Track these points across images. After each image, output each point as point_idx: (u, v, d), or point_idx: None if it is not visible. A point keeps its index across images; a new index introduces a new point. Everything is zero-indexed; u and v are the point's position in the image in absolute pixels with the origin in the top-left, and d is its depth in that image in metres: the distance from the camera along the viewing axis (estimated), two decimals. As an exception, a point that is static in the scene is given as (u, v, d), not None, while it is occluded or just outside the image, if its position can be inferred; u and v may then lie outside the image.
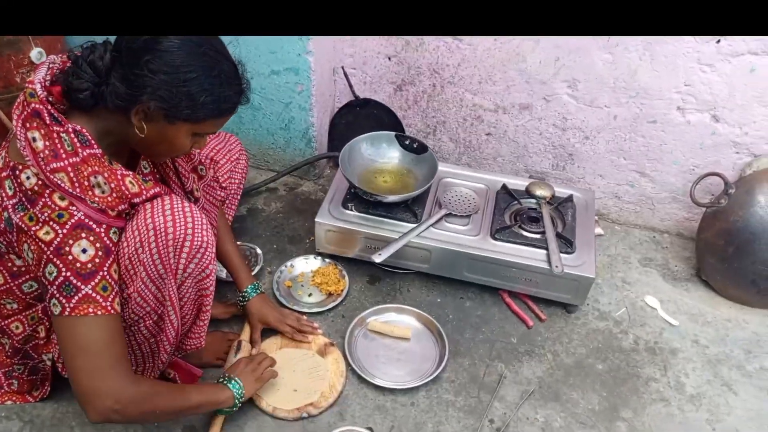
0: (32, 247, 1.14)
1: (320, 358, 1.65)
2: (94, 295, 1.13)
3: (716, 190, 1.94)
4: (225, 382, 1.41)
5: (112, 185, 1.15)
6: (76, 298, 1.12)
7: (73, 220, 1.11)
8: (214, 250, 1.29)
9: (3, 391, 1.52)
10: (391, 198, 1.81)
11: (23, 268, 1.26)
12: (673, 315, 1.88)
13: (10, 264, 1.26)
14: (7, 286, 1.30)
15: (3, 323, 1.39)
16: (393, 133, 1.99)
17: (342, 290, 1.85)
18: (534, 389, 1.64)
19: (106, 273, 1.14)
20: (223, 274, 1.79)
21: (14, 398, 1.52)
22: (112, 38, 1.16)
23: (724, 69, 1.77)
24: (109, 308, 1.15)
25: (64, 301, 1.12)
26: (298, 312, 1.77)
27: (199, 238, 1.24)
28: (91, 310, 1.13)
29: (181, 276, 1.27)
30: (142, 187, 1.20)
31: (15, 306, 1.35)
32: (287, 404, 1.54)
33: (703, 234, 1.94)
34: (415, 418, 1.55)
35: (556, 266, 1.70)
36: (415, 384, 1.60)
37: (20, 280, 1.29)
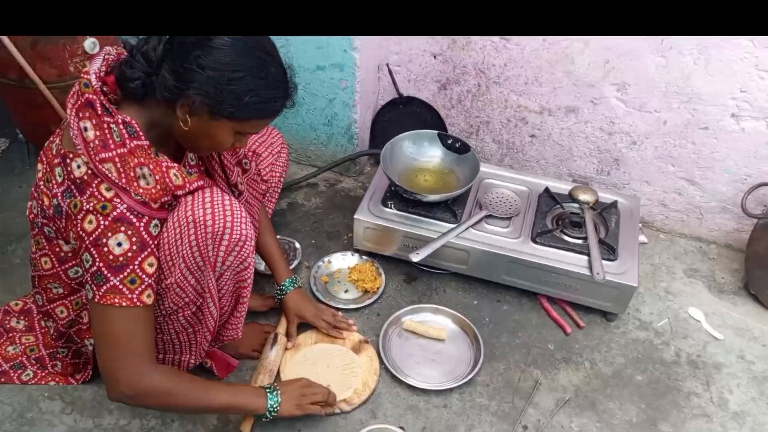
0: (74, 236, 1.19)
1: (354, 355, 1.66)
2: (121, 287, 1.16)
3: (769, 201, 1.87)
4: (268, 391, 1.40)
5: (157, 177, 1.17)
6: (105, 287, 1.16)
7: (115, 213, 1.14)
8: (253, 243, 1.30)
9: (47, 371, 1.57)
10: (432, 197, 1.80)
11: (70, 254, 1.30)
12: (718, 328, 1.82)
13: (57, 249, 1.30)
14: (54, 270, 1.34)
15: (49, 307, 1.43)
16: (435, 132, 1.98)
17: (378, 288, 1.85)
18: (570, 397, 1.61)
19: (137, 267, 1.17)
20: (262, 266, 1.80)
21: (57, 379, 1.57)
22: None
23: (783, 76, 1.71)
24: (135, 300, 1.18)
25: (94, 288, 1.17)
26: (334, 308, 1.78)
27: (238, 232, 1.25)
28: (117, 300, 1.16)
29: (219, 268, 1.29)
30: (186, 179, 1.22)
31: (61, 290, 1.39)
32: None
33: (753, 246, 1.87)
34: (448, 421, 1.55)
35: (598, 273, 1.67)
36: (448, 386, 1.59)
37: (67, 266, 1.33)
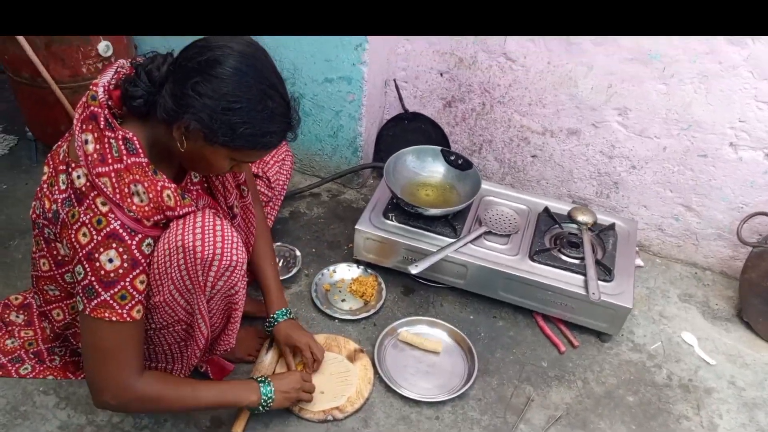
0: (68, 245, 1.19)
1: (350, 363, 1.67)
2: (111, 302, 1.17)
3: (765, 230, 1.90)
4: (261, 383, 1.43)
5: (151, 195, 1.17)
6: (95, 301, 1.17)
7: (108, 229, 1.14)
8: (244, 268, 1.30)
9: (45, 366, 1.58)
10: (433, 211, 1.83)
11: (67, 258, 1.29)
12: (711, 354, 1.83)
13: (55, 252, 1.31)
14: (52, 273, 1.35)
15: (46, 308, 1.44)
16: (439, 147, 2.01)
17: (376, 304, 1.85)
18: (561, 415, 1.62)
19: (127, 284, 1.18)
20: None
21: (56, 374, 1.57)
22: (178, 48, 1.18)
23: (782, 108, 1.75)
24: (125, 316, 1.19)
25: (85, 301, 1.18)
26: (331, 317, 1.80)
27: (228, 258, 1.25)
28: (107, 314, 1.17)
29: (209, 292, 1.29)
30: (178, 203, 1.22)
31: (57, 293, 1.40)
32: (313, 406, 1.55)
33: (747, 274, 1.89)
34: (439, 432, 1.56)
35: (594, 293, 1.69)
36: (441, 398, 1.60)
37: (63, 270, 1.33)
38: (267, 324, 1.63)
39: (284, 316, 1.62)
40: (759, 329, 1.90)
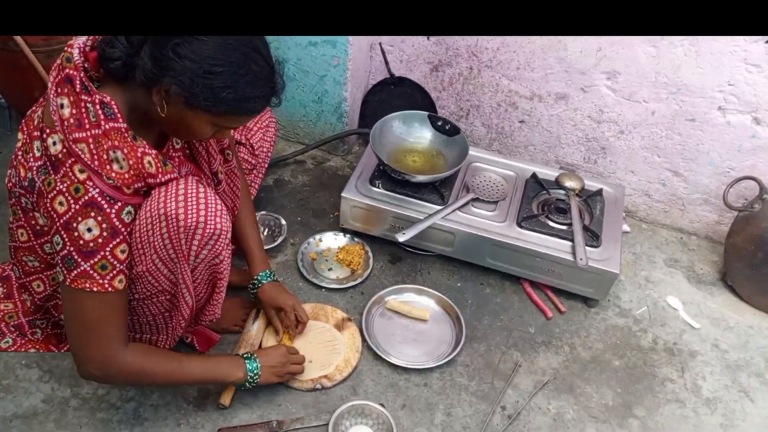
0: (45, 214, 1.16)
1: (337, 332, 1.66)
2: (91, 272, 1.14)
3: (751, 194, 1.90)
4: (246, 359, 1.41)
5: (131, 162, 1.14)
6: (75, 272, 1.14)
7: (86, 197, 1.11)
8: (228, 236, 1.27)
9: (27, 339, 1.55)
10: (420, 178, 1.81)
11: (45, 228, 1.26)
12: (695, 318, 1.85)
13: (33, 222, 1.28)
14: (30, 243, 1.32)
15: (26, 280, 1.41)
16: (426, 113, 1.97)
17: (363, 273, 1.84)
18: (548, 380, 1.64)
19: (108, 253, 1.15)
20: None
21: (38, 347, 1.55)
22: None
23: (771, 71, 1.73)
24: (107, 286, 1.16)
25: (65, 271, 1.15)
26: (318, 286, 1.79)
27: (212, 226, 1.22)
28: (87, 285, 1.15)
29: (193, 261, 1.26)
30: (160, 169, 1.19)
31: (37, 264, 1.37)
32: (302, 374, 1.55)
33: (732, 238, 1.90)
34: (428, 399, 1.56)
35: (581, 259, 1.69)
36: (429, 365, 1.61)
37: (42, 240, 1.30)
38: (251, 286, 1.61)
39: (268, 278, 1.61)
40: (743, 293, 1.92)
